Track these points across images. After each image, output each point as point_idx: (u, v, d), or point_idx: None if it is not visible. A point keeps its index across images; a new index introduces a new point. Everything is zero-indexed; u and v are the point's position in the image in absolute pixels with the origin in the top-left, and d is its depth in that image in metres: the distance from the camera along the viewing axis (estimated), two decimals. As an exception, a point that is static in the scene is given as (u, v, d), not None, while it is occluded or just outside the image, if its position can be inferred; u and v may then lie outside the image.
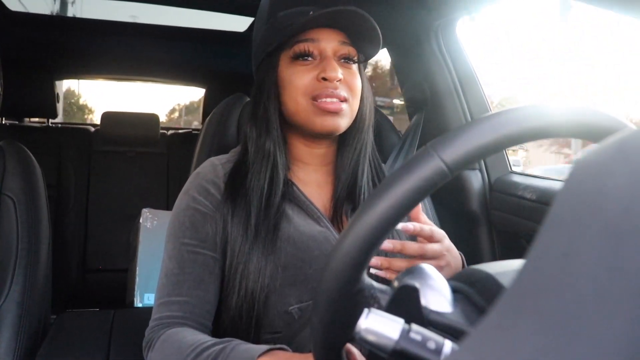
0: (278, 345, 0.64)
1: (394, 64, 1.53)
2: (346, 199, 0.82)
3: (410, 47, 1.40)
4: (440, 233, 0.69)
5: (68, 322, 1.12)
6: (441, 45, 1.35)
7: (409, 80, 1.46)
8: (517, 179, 1.24)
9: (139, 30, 2.29)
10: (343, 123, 0.77)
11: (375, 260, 0.66)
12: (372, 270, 0.67)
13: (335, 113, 0.75)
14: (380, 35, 0.76)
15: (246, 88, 0.97)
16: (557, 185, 1.10)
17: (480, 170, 1.32)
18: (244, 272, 0.74)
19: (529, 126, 0.37)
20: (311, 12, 0.74)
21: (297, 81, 0.76)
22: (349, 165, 0.82)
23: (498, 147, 0.37)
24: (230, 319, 0.75)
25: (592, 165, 0.23)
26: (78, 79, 3.18)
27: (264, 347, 0.63)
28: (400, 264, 0.67)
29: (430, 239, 0.68)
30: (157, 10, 2.03)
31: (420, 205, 0.69)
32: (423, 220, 0.69)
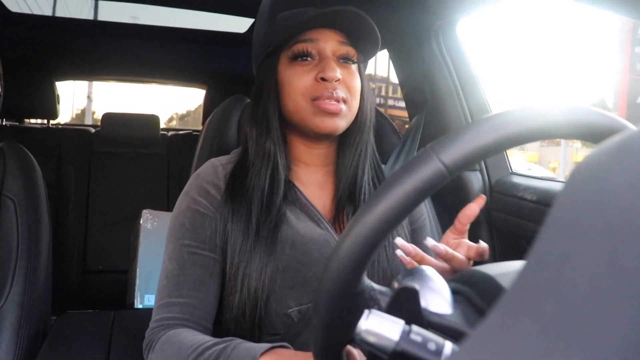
0: (280, 344, 0.64)
1: (394, 65, 1.53)
2: (347, 199, 0.82)
3: (411, 49, 1.40)
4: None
5: (68, 324, 1.12)
6: (441, 46, 1.35)
7: (409, 81, 1.46)
8: (517, 180, 1.24)
9: (140, 32, 2.29)
10: (342, 124, 0.77)
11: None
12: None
13: (335, 114, 0.75)
14: (379, 36, 0.76)
15: (247, 89, 0.97)
16: (557, 187, 1.10)
17: (481, 172, 1.32)
18: (245, 271, 0.74)
19: (528, 127, 0.37)
20: (311, 13, 0.74)
21: (296, 82, 0.76)
22: (350, 165, 0.81)
23: (497, 149, 0.37)
24: (233, 318, 0.75)
25: (593, 166, 0.23)
26: (78, 80, 3.18)
27: (266, 345, 0.63)
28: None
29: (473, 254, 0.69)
30: (157, 11, 2.04)
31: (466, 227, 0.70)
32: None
